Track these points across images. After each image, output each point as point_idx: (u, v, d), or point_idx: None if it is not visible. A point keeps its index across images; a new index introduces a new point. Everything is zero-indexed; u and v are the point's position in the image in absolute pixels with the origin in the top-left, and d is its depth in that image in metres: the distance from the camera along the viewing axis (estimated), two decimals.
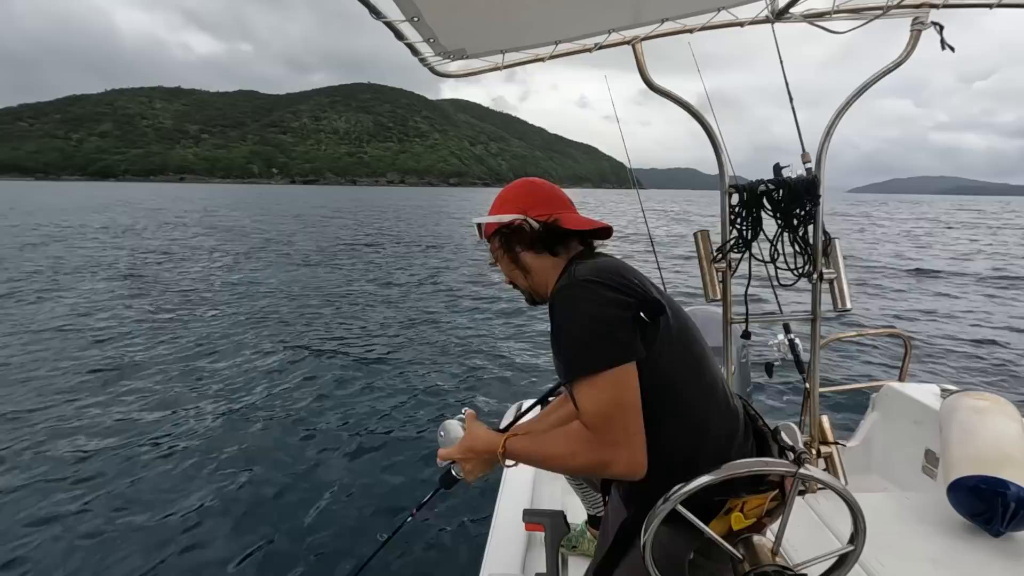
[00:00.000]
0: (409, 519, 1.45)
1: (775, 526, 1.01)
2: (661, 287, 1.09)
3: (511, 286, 1.23)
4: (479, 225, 1.22)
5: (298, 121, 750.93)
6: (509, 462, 1.08)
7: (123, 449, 4.19)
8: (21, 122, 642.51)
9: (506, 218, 1.15)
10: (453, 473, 1.18)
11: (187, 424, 4.64)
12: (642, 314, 0.93)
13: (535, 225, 1.13)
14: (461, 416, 1.18)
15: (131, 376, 5.81)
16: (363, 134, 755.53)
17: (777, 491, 1.00)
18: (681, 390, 0.99)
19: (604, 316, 0.93)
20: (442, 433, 1.15)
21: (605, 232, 1.19)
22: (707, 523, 0.96)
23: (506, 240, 1.16)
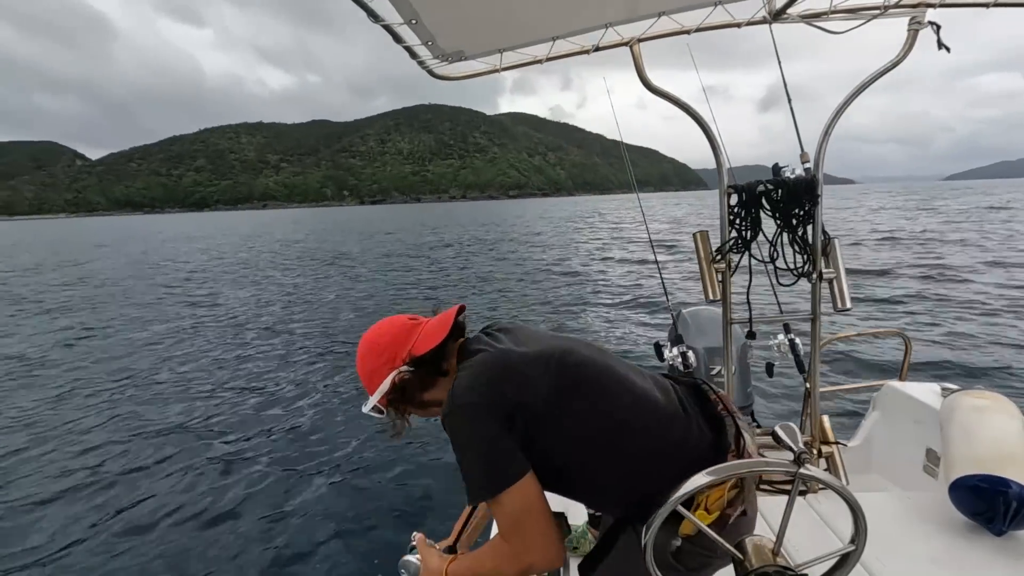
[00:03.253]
0: None
1: (776, 526, 1.01)
2: (555, 345, 1.12)
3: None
4: (376, 409, 1.19)
5: (365, 145, 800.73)
6: None
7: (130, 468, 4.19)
8: (131, 163, 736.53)
9: (386, 384, 1.14)
10: None
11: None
12: (511, 426, 1.01)
13: (407, 372, 1.13)
14: (413, 545, 1.24)
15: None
16: (426, 153, 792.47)
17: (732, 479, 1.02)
18: (595, 446, 1.05)
19: (485, 437, 1.01)
20: (403, 572, 1.24)
21: (460, 313, 1.21)
22: (678, 527, 1.01)
23: (401, 401, 1.17)
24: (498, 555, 1.04)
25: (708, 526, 0.99)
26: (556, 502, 2.07)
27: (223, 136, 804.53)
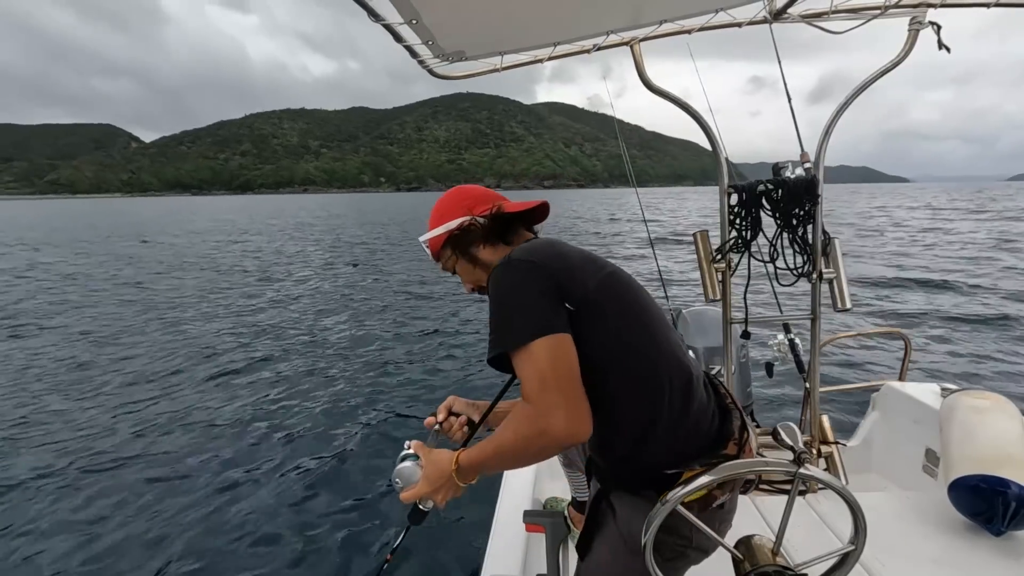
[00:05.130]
0: (385, 565, 1.39)
1: (775, 526, 1.01)
2: (608, 263, 1.09)
3: (475, 292, 1.25)
4: (429, 244, 1.24)
5: (403, 132, 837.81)
6: (466, 481, 1.05)
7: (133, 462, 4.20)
8: (182, 146, 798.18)
9: (454, 223, 1.19)
10: (421, 507, 1.14)
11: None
12: (566, 304, 0.96)
13: (482, 221, 1.18)
14: (407, 452, 1.13)
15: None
16: (462, 141, 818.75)
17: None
18: (626, 366, 1.00)
19: (532, 290, 0.96)
20: (398, 481, 1.10)
21: (543, 210, 1.25)
22: (659, 495, 0.96)
23: (459, 243, 1.20)
24: (516, 418, 0.93)
25: (692, 503, 0.97)
26: (558, 492, 2.08)
27: (267, 121, 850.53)
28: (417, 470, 1.08)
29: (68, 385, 5.71)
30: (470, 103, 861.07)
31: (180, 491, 3.67)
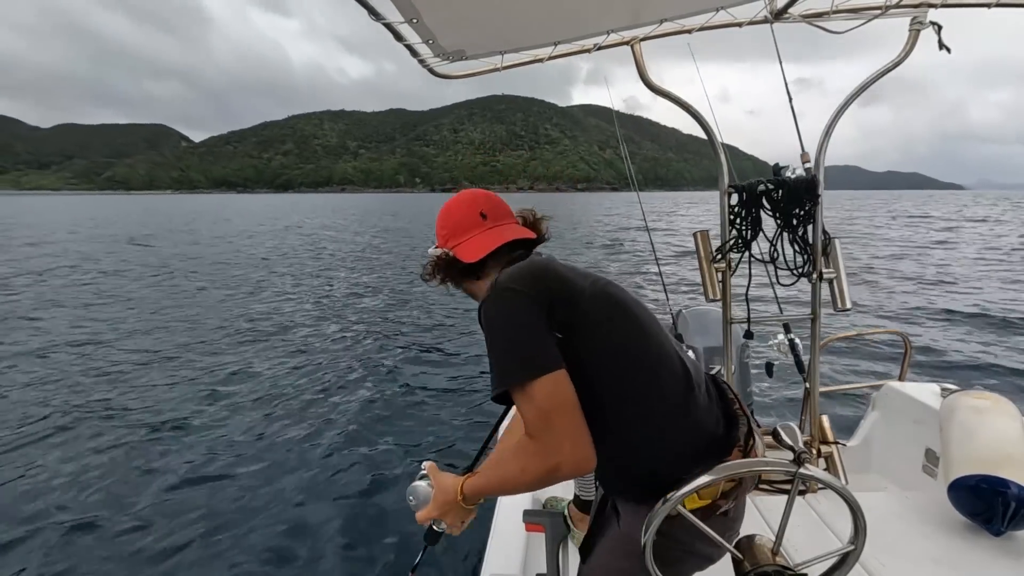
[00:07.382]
0: None
1: (775, 525, 1.01)
2: (597, 275, 1.10)
3: None
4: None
5: (439, 134, 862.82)
6: (473, 505, 1.09)
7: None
8: (228, 145, 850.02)
9: (437, 252, 1.20)
10: (436, 529, 1.20)
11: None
12: (556, 331, 0.97)
13: (444, 258, 1.17)
14: (423, 473, 1.18)
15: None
16: (497, 143, 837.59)
17: None
18: (622, 377, 1.01)
19: (520, 323, 0.96)
20: (411, 499, 1.15)
21: (528, 243, 1.19)
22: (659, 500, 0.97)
23: (440, 272, 1.20)
24: (522, 455, 0.95)
25: (695, 511, 0.97)
26: (558, 492, 2.08)
27: (309, 122, 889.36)
28: (430, 491, 1.13)
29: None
30: (505, 105, 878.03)
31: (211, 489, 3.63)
